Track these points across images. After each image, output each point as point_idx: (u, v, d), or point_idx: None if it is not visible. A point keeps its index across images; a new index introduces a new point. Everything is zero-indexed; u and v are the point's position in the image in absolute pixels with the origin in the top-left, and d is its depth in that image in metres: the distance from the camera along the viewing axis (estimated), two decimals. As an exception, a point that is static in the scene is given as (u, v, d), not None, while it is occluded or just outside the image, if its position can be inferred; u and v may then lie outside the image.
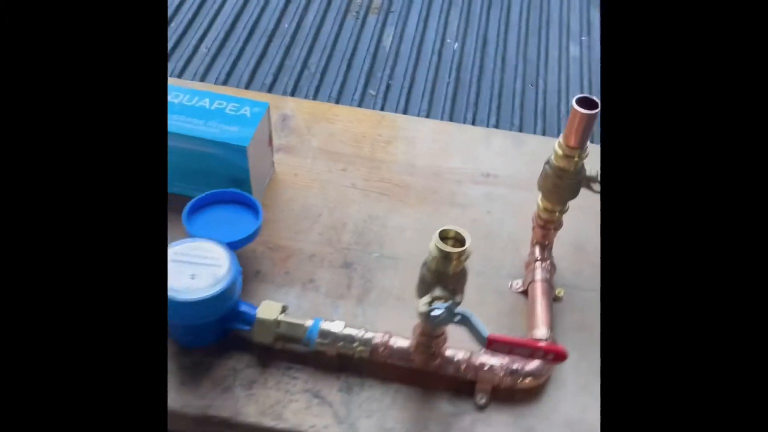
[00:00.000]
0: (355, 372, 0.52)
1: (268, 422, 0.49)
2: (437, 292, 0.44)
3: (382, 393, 0.51)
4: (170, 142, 0.58)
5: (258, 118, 0.60)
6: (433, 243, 0.43)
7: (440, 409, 0.50)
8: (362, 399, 0.50)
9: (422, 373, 0.51)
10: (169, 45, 0.86)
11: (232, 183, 0.60)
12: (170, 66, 0.85)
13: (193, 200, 0.56)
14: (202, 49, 0.89)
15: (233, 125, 0.59)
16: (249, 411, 0.49)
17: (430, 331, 0.48)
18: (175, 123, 0.58)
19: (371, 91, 0.85)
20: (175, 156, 0.59)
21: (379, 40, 0.92)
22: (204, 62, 0.87)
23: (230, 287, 0.49)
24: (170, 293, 0.48)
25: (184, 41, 0.90)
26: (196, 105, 0.60)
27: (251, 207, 0.57)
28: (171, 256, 0.50)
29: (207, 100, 0.61)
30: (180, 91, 0.61)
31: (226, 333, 0.52)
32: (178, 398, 0.49)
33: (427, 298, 0.44)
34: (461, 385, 0.51)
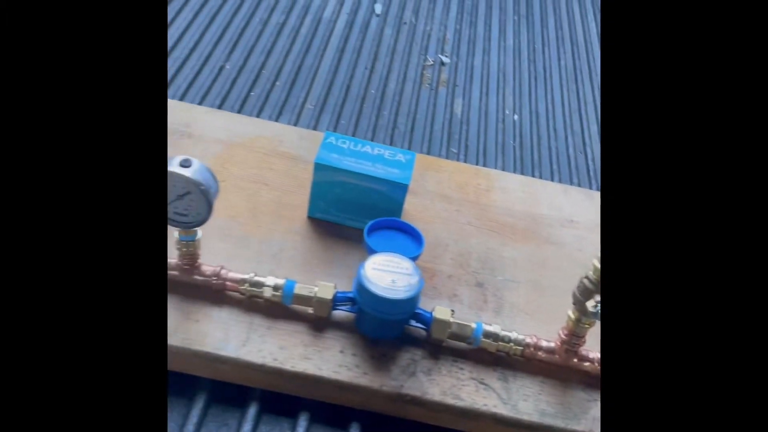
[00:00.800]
0: (507, 366, 0.65)
1: (449, 401, 0.61)
2: (598, 297, 0.58)
3: (531, 382, 0.64)
4: (345, 178, 0.72)
5: (411, 163, 0.74)
6: (594, 261, 0.58)
7: (578, 396, 0.64)
8: (517, 386, 0.63)
9: (562, 368, 0.65)
10: (258, 103, 1.01)
11: (385, 215, 0.73)
12: (278, 115, 0.99)
13: (371, 222, 0.69)
14: (308, 106, 1.03)
15: (394, 168, 0.73)
16: (433, 391, 0.61)
17: (579, 332, 0.62)
18: (349, 163, 0.72)
19: (453, 150, 1.01)
20: (345, 190, 0.73)
21: (452, 109, 1.09)
22: (313, 117, 1.01)
23: (420, 292, 0.62)
24: (378, 292, 0.60)
25: (291, 100, 1.04)
26: (361, 150, 0.74)
27: (413, 235, 0.70)
28: (373, 265, 0.63)
29: (368, 147, 0.75)
30: (345, 138, 0.75)
31: (402, 330, 0.65)
32: (376, 379, 0.61)
33: (592, 302, 0.58)
34: (592, 379, 0.65)
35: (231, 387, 0.63)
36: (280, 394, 0.63)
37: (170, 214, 0.59)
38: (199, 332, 0.62)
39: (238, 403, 0.63)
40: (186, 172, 0.56)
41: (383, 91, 1.10)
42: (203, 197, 0.57)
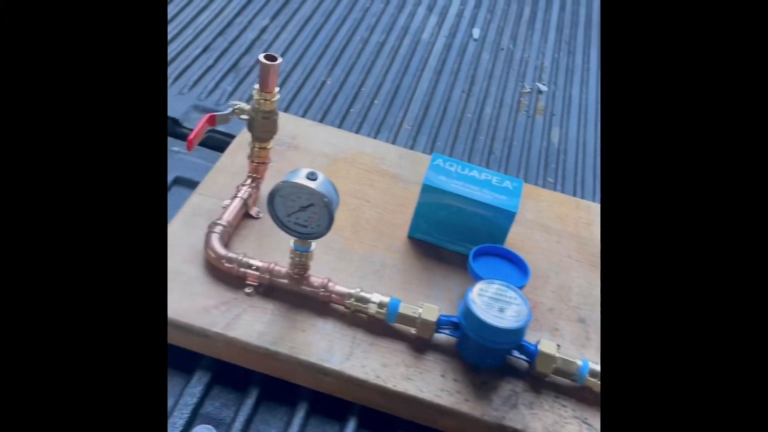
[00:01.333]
0: (611, 406, 0.63)
1: (551, 437, 0.60)
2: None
3: (635, 426, 0.62)
4: (451, 201, 0.72)
5: (519, 191, 0.74)
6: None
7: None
8: (621, 429, 0.61)
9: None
10: (355, 120, 1.02)
11: (487, 241, 0.73)
12: (376, 133, 1.01)
13: (477, 248, 0.69)
14: (405, 126, 1.04)
15: (501, 194, 0.73)
16: (536, 426, 0.60)
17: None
18: (457, 186, 0.72)
19: (550, 179, 0.99)
20: (450, 213, 0.73)
21: (549, 137, 1.08)
22: (410, 136, 1.02)
23: (528, 323, 0.61)
24: (486, 319, 0.60)
25: (389, 119, 1.05)
26: (468, 174, 0.74)
27: (518, 264, 0.70)
28: (481, 291, 0.62)
29: (476, 171, 0.75)
30: (453, 161, 0.76)
31: (505, 360, 0.64)
32: (477, 408, 0.60)
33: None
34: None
35: (328, 398, 0.63)
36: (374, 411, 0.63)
37: (291, 225, 0.60)
38: (304, 342, 0.63)
39: (339, 417, 0.63)
40: (312, 184, 0.57)
41: (480, 116, 1.10)
42: (326, 210, 0.58)
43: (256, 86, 0.69)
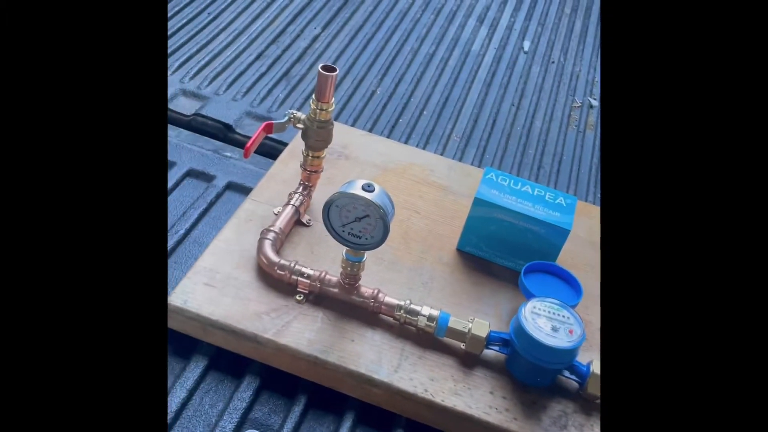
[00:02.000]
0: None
1: (602, 461, 0.58)
2: None
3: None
4: (503, 216, 0.71)
5: (573, 208, 0.73)
6: None
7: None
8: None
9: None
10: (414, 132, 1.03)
11: (538, 257, 0.72)
12: (425, 144, 1.01)
13: (528, 264, 0.68)
14: (454, 138, 1.03)
15: (555, 211, 0.72)
16: (586, 448, 0.59)
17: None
18: (509, 201, 0.72)
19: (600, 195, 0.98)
20: (501, 228, 0.72)
21: (600, 154, 1.07)
22: (459, 148, 1.02)
23: (581, 344, 0.60)
24: (539, 338, 0.59)
25: (437, 130, 1.05)
26: (521, 190, 0.74)
27: (571, 282, 0.69)
28: (534, 309, 0.61)
29: (528, 186, 0.74)
30: (506, 176, 0.75)
31: (554, 379, 0.63)
32: (527, 427, 0.60)
33: None
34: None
35: (375, 410, 0.63)
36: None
37: (345, 235, 0.60)
38: (353, 352, 0.63)
39: (385, 429, 0.63)
40: (368, 196, 0.57)
41: (529, 129, 1.09)
42: (381, 221, 0.58)
43: (313, 96, 0.70)
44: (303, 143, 0.73)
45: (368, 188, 0.57)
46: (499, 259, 0.75)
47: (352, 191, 0.57)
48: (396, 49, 1.20)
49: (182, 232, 0.77)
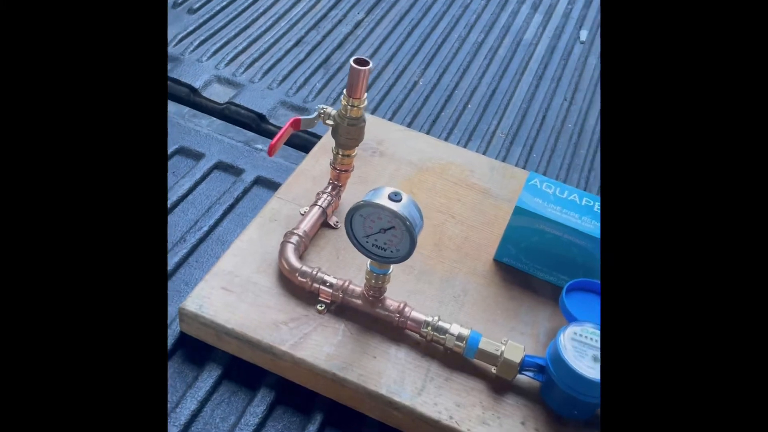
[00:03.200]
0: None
1: None
2: None
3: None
4: (546, 227, 0.65)
5: (623, 221, 0.66)
6: None
7: None
8: None
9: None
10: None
11: (582, 273, 0.66)
12: (467, 140, 0.95)
13: (571, 282, 0.62)
14: (499, 134, 0.97)
15: (603, 224, 0.65)
16: (625, 494, 0.53)
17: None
18: (553, 212, 0.65)
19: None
20: (543, 240, 0.66)
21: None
22: (504, 146, 0.95)
23: (625, 376, 0.54)
24: (578, 369, 0.53)
25: (481, 126, 0.99)
26: (567, 198, 0.67)
27: (617, 302, 0.62)
28: (574, 335, 0.56)
29: (576, 195, 0.68)
30: (551, 183, 0.69)
31: (594, 413, 0.57)
32: (560, 465, 0.54)
33: None
34: None
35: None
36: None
37: (369, 246, 0.56)
38: (375, 370, 0.58)
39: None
40: (394, 206, 0.52)
41: (582, 127, 1.01)
42: (408, 234, 0.53)
43: (344, 91, 0.65)
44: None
45: (395, 197, 0.53)
46: (539, 272, 0.69)
47: (377, 200, 0.53)
48: (443, 37, 1.14)
49: (205, 229, 0.73)
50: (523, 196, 0.67)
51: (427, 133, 0.95)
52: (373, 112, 0.96)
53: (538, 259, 0.69)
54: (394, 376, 0.58)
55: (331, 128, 0.68)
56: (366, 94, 0.65)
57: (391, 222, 0.53)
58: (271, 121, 0.92)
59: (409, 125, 0.96)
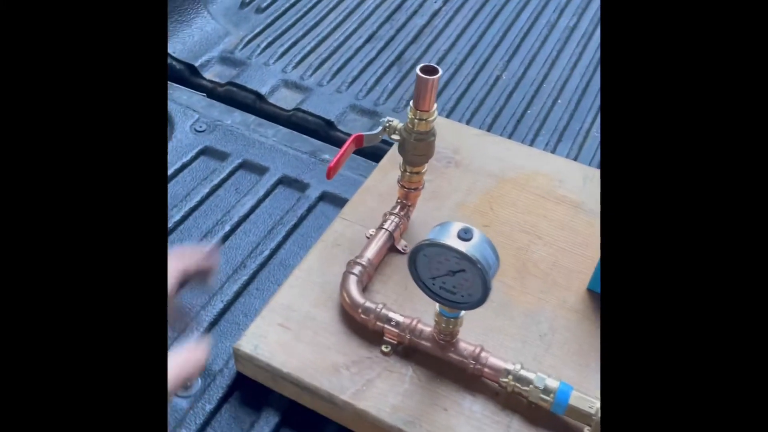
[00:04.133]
0: None
1: None
2: None
3: None
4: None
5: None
6: None
7: None
8: None
9: None
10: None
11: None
12: (556, 142, 0.85)
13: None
14: (594, 134, 0.86)
15: (723, 253, 0.54)
16: None
17: None
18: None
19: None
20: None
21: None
22: (599, 148, 0.84)
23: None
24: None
25: (573, 125, 0.88)
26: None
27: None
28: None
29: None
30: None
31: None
32: None
33: None
34: None
35: (472, 496, 0.52)
36: None
37: (436, 289, 0.48)
38: (446, 426, 0.51)
39: None
40: (463, 246, 0.44)
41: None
42: (480, 279, 0.45)
43: (411, 103, 0.58)
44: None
45: (465, 236, 0.45)
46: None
47: (443, 240, 0.45)
48: (529, 23, 1.03)
49: (267, 253, 0.69)
50: (621, 219, 0.57)
51: (510, 135, 0.86)
52: (449, 115, 0.88)
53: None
54: (468, 434, 0.51)
55: (398, 144, 0.61)
56: (436, 105, 0.57)
57: (460, 264, 0.45)
58: (340, 127, 0.85)
59: (490, 127, 0.87)
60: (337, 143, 0.84)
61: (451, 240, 0.45)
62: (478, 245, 0.45)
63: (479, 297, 0.46)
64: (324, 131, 0.86)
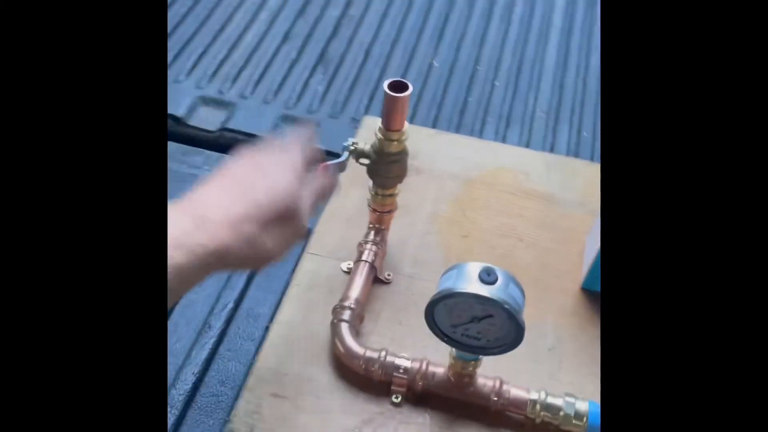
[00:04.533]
0: None
1: None
2: None
3: None
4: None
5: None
6: None
7: None
8: None
9: None
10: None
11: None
12: (505, 128, 0.82)
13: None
14: (539, 114, 0.84)
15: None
16: None
17: None
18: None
19: None
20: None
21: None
22: (548, 127, 0.82)
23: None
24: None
25: (517, 105, 0.85)
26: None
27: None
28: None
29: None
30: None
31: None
32: None
33: None
34: None
35: None
36: None
37: (457, 337, 0.43)
38: (480, 474, 0.47)
39: None
40: (489, 291, 0.40)
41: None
42: (512, 321, 0.41)
43: (380, 124, 0.51)
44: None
45: (488, 279, 0.40)
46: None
47: (465, 287, 0.40)
48: (448, 3, 0.98)
49: (230, 305, 0.61)
50: (615, 216, 0.54)
51: (458, 126, 0.81)
52: (391, 113, 0.82)
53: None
54: (505, 477, 0.47)
55: (367, 168, 0.55)
56: (406, 125, 0.52)
57: (486, 310, 0.41)
58: (276, 143, 0.78)
59: (435, 121, 0.82)
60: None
61: (474, 286, 0.40)
62: (503, 286, 0.40)
63: (512, 339, 0.42)
64: (259, 150, 0.78)
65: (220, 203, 0.38)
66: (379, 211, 0.58)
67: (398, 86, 0.49)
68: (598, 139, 0.81)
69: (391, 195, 0.57)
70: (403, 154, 0.53)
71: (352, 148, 0.54)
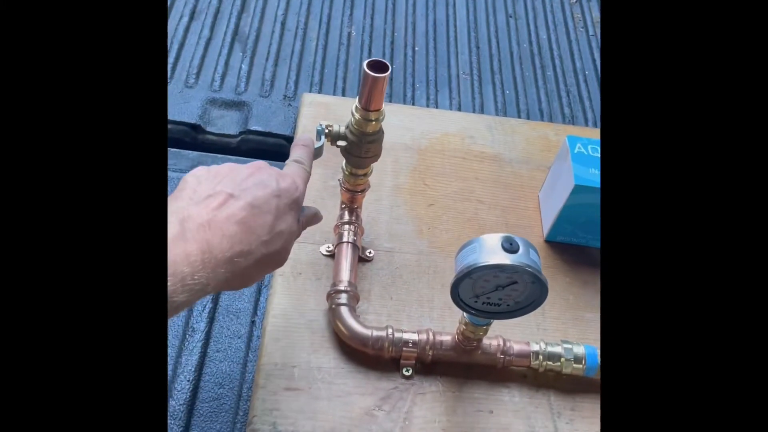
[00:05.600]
0: None
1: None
2: None
3: None
4: (589, 196, 0.58)
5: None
6: None
7: None
8: None
9: None
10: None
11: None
12: (435, 93, 0.83)
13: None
14: (463, 76, 0.86)
15: (666, 179, 0.59)
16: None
17: None
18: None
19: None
20: (585, 208, 0.59)
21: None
22: (475, 88, 0.85)
23: None
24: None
25: (440, 69, 0.87)
26: (619, 159, 0.60)
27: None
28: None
29: (625, 153, 0.60)
30: (595, 143, 0.61)
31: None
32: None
33: None
34: None
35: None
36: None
37: (478, 306, 0.45)
38: (502, 427, 0.50)
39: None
40: (514, 260, 0.42)
41: (538, 43, 0.93)
42: (536, 283, 0.43)
43: (356, 104, 0.51)
44: (338, 151, 0.55)
45: (510, 247, 0.42)
46: (594, 241, 0.63)
47: (491, 259, 0.42)
48: (351, -33, 0.97)
49: (210, 305, 0.58)
50: (577, 171, 0.58)
51: (390, 95, 0.82)
52: (320, 90, 0.81)
53: (597, 230, 0.62)
54: (523, 428, 0.51)
55: (342, 149, 0.54)
56: (384, 105, 0.52)
57: (511, 278, 0.43)
58: (210, 129, 0.74)
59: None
60: (212, 149, 0.73)
61: (500, 257, 0.42)
62: (525, 253, 0.42)
63: (536, 299, 0.44)
64: (191, 138, 0.74)
65: (229, 237, 0.37)
66: (352, 191, 0.58)
67: (378, 67, 0.49)
68: (521, 96, 0.85)
69: (365, 174, 0.57)
70: (380, 133, 0.53)
71: (326, 131, 0.53)
